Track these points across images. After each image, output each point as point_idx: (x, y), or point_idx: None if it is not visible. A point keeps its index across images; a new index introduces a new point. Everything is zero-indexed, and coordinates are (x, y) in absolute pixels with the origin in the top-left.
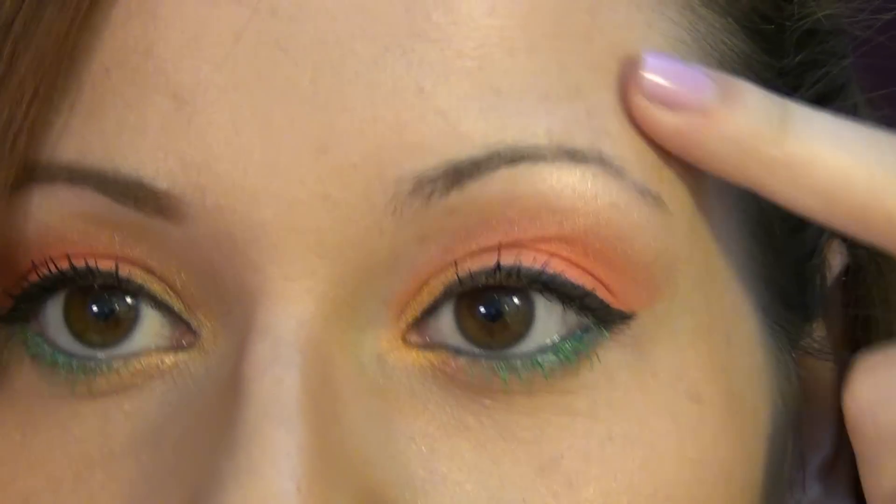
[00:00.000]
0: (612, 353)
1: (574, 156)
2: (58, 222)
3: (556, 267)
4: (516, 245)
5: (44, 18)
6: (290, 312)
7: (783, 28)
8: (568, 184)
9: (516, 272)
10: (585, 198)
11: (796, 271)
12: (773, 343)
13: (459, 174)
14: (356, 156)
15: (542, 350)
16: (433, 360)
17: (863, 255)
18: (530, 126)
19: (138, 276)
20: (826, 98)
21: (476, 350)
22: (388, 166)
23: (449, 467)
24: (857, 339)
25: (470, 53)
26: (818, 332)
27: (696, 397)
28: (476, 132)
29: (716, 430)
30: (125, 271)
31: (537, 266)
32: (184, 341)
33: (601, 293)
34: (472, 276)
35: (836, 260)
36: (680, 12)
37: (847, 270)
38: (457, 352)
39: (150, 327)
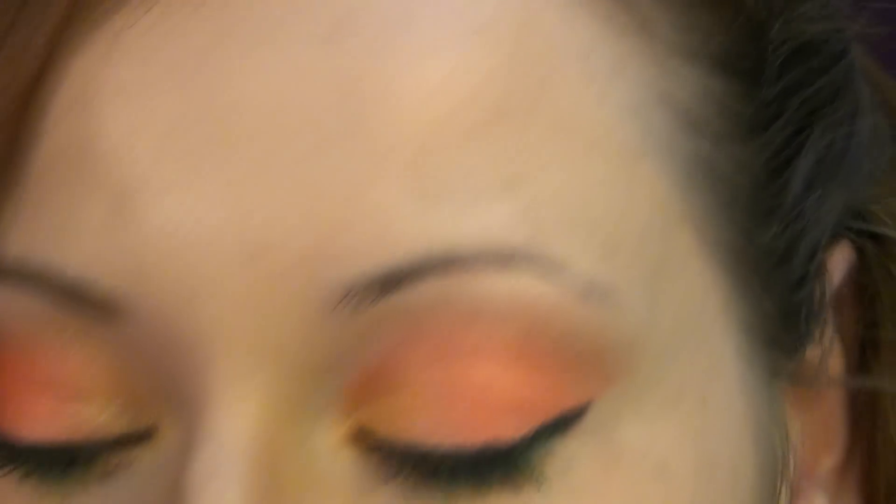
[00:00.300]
0: (569, 443)
1: (510, 258)
2: (2, 325)
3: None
4: (457, 355)
5: None
6: (233, 414)
7: (763, 58)
8: (502, 289)
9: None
10: (522, 302)
11: (784, 303)
12: (756, 386)
13: (389, 282)
14: (286, 263)
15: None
16: (384, 457)
17: (874, 265)
18: (462, 229)
19: (88, 377)
20: (815, 113)
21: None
22: (317, 273)
23: None
24: (864, 356)
25: (403, 146)
26: (812, 354)
27: (664, 473)
28: (406, 237)
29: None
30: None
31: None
32: (137, 436)
33: (556, 412)
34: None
35: (839, 267)
36: (641, 70)
37: (856, 283)
38: (408, 448)
39: (105, 425)
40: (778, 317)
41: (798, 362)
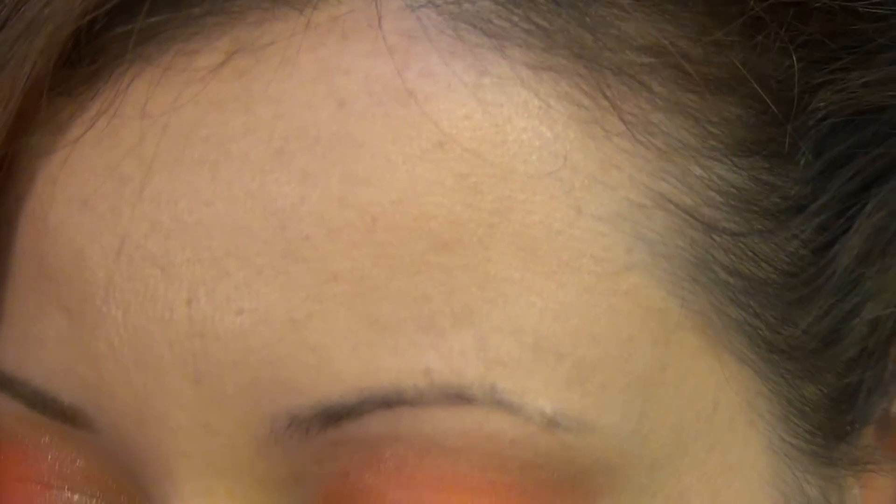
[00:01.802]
0: None
1: (460, 396)
2: None
3: None
4: (418, 486)
5: None
6: None
7: (799, 136)
8: (453, 427)
9: None
10: (477, 440)
11: (835, 387)
12: (793, 479)
13: (331, 416)
14: (230, 388)
15: None
16: None
17: None
18: (408, 365)
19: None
20: (869, 184)
21: None
22: (262, 401)
23: None
24: None
25: (346, 276)
26: (872, 434)
27: None
28: (348, 373)
29: None
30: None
31: None
32: None
33: None
34: None
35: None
36: (632, 174)
37: None
38: None
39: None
40: (826, 402)
41: (856, 445)
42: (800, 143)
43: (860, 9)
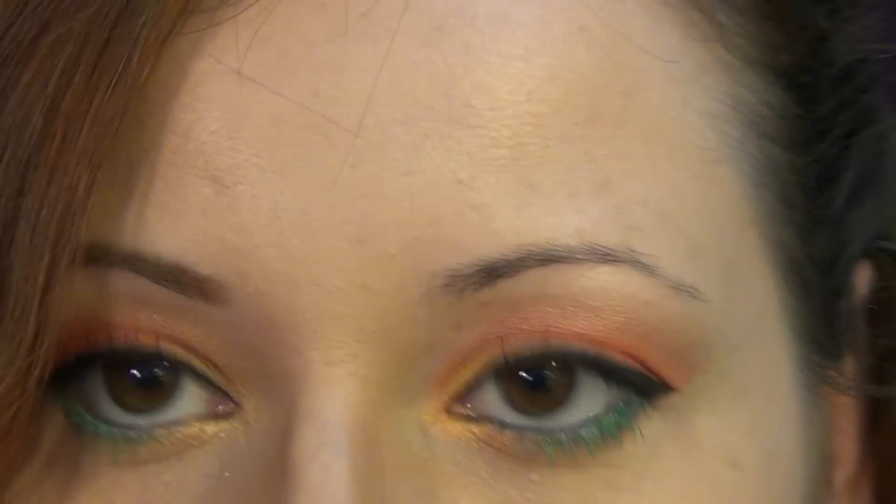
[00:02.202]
0: (655, 425)
1: (604, 256)
2: (100, 303)
3: (599, 348)
4: (554, 334)
5: (94, 103)
6: (335, 396)
7: (819, 75)
8: (599, 284)
9: (561, 357)
10: (617, 298)
11: (826, 312)
12: (805, 390)
13: (491, 272)
14: (393, 247)
15: (586, 423)
16: (478, 432)
17: (894, 284)
18: (561, 225)
19: (179, 353)
20: (854, 130)
21: (520, 419)
22: (422, 260)
23: None
24: (881, 368)
25: (506, 142)
26: (846, 367)
27: (736, 464)
28: (509, 231)
29: (753, 493)
30: (166, 348)
31: (581, 346)
32: (223, 408)
33: (642, 370)
34: (517, 357)
35: (862, 282)
36: (717, 80)
37: (875, 299)
38: (502, 424)
39: (189, 394)
40: (823, 324)
41: (837, 370)
42: (821, 82)
43: None
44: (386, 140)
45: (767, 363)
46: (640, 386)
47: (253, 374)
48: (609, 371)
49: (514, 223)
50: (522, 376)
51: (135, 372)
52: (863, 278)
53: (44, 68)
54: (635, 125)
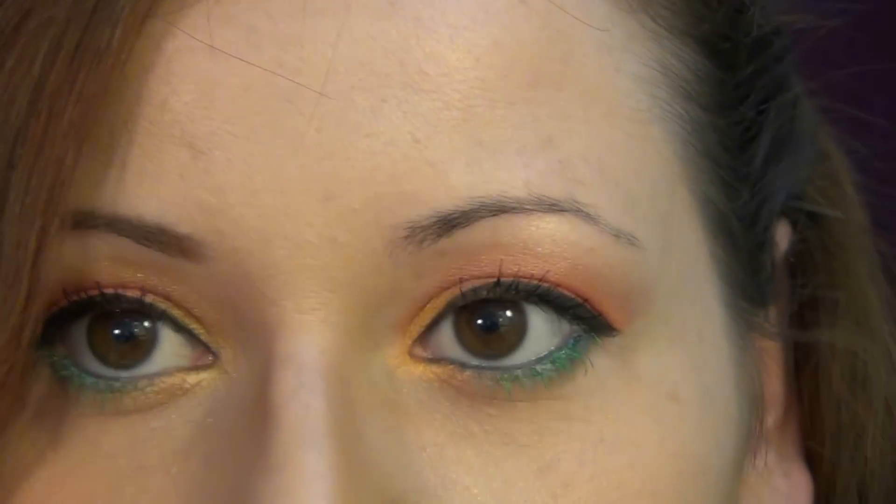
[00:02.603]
0: (602, 360)
1: (551, 206)
2: (85, 265)
3: (549, 285)
4: (508, 274)
5: (77, 81)
6: (310, 341)
7: (737, 43)
8: (546, 232)
9: (514, 286)
10: (563, 245)
11: (751, 263)
12: (736, 335)
13: (448, 223)
14: (357, 203)
15: (540, 360)
16: (439, 373)
17: (811, 239)
18: (510, 179)
19: (161, 303)
20: (770, 96)
21: (475, 361)
22: (385, 214)
23: (457, 472)
24: (804, 317)
25: (457, 104)
26: (772, 314)
27: (675, 397)
28: (462, 185)
29: (693, 426)
30: (149, 299)
31: (534, 282)
32: (203, 361)
33: (591, 307)
34: (474, 290)
35: (783, 241)
36: (646, 47)
37: (795, 253)
38: (462, 365)
39: (169, 349)
40: (748, 274)
41: (763, 318)
42: (739, 50)
43: None
44: (347, 105)
45: (701, 308)
46: (588, 322)
47: (230, 326)
48: (560, 305)
49: (466, 177)
50: (478, 323)
51: (116, 330)
52: (783, 234)
53: (27, 52)
54: (573, 88)
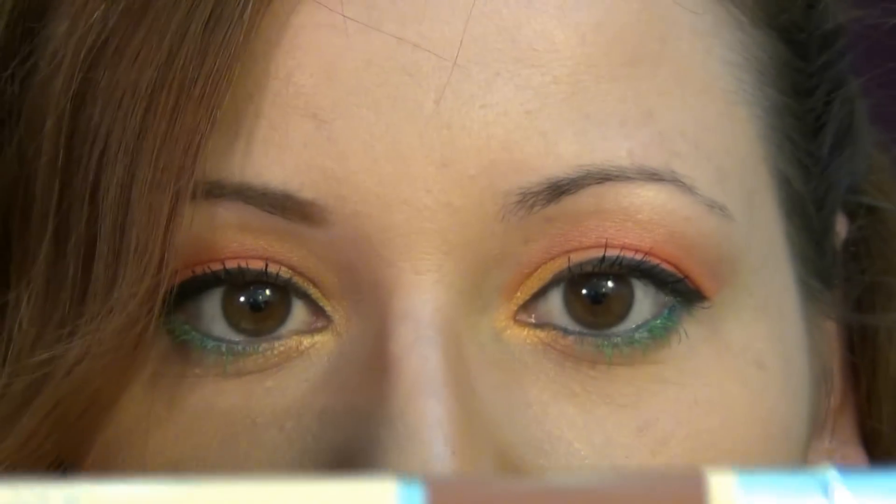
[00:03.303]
0: (694, 329)
1: (651, 175)
2: (212, 233)
3: (652, 259)
4: (609, 246)
5: (208, 55)
6: (425, 300)
7: (811, 34)
8: (647, 200)
9: (619, 262)
10: (662, 213)
11: (819, 244)
12: (809, 311)
13: (557, 190)
14: (473, 169)
15: (639, 328)
16: (543, 337)
17: (867, 229)
18: (614, 149)
19: (284, 272)
20: (835, 89)
21: (581, 329)
22: (498, 180)
23: (561, 428)
24: (860, 300)
25: (565, 79)
26: (834, 298)
27: (761, 365)
28: (571, 153)
29: (777, 393)
30: (273, 269)
31: (638, 256)
32: (317, 325)
33: (687, 280)
34: (580, 265)
35: (841, 232)
36: (732, 34)
37: (853, 242)
38: (565, 331)
39: (295, 316)
40: (818, 255)
41: (829, 299)
42: (812, 41)
43: None
44: (463, 78)
45: (780, 283)
46: (682, 293)
47: (347, 289)
48: (661, 280)
49: (574, 147)
50: (584, 293)
51: (242, 298)
52: (842, 225)
53: (157, 25)
54: (670, 67)
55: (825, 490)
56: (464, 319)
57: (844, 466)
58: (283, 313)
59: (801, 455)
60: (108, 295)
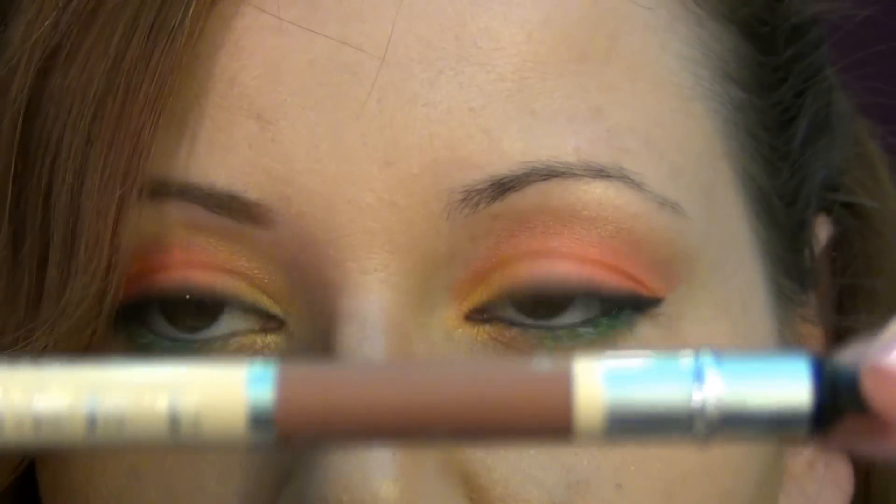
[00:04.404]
0: (645, 328)
1: (598, 172)
2: (160, 231)
3: (593, 273)
4: (556, 255)
5: (152, 59)
6: (372, 300)
7: (775, 28)
8: (594, 196)
9: (561, 290)
10: (609, 209)
11: (792, 243)
12: (779, 311)
13: (501, 187)
14: (416, 168)
15: (584, 323)
16: (491, 331)
17: (849, 228)
18: (561, 145)
19: (230, 286)
20: (807, 81)
21: (525, 320)
22: (442, 178)
23: None
24: (843, 304)
25: (510, 77)
26: (812, 300)
27: None
28: (515, 150)
29: None
30: (219, 284)
31: (584, 277)
32: (271, 325)
33: (632, 289)
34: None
35: (822, 233)
36: (690, 29)
37: (834, 243)
38: (510, 322)
39: (238, 313)
40: (789, 252)
41: (804, 302)
42: (777, 35)
43: None
44: (406, 77)
45: (744, 280)
46: (631, 303)
47: (296, 289)
48: (606, 297)
49: (519, 144)
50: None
51: (189, 297)
52: (822, 226)
53: (104, 33)
54: (621, 63)
55: (698, 376)
56: (412, 319)
57: (718, 351)
58: (221, 309)
59: (772, 460)
60: (60, 299)
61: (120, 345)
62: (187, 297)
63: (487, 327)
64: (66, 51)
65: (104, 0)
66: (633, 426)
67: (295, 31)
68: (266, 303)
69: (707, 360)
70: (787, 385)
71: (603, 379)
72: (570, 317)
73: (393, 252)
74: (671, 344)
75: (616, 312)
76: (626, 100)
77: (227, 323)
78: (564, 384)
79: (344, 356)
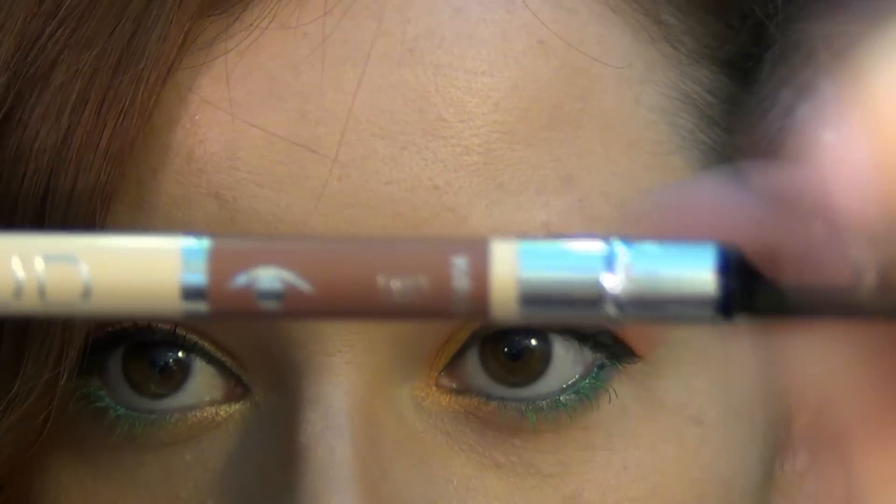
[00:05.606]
0: (625, 387)
1: None
2: None
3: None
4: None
5: (103, 137)
6: (335, 383)
7: (761, 59)
8: None
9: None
10: None
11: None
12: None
13: None
14: None
15: (565, 390)
16: (465, 405)
17: None
18: (529, 220)
19: (194, 337)
20: (795, 104)
21: (501, 390)
22: None
23: None
24: None
25: (476, 149)
26: None
27: (699, 421)
28: (482, 228)
29: (716, 448)
30: (181, 330)
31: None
32: (235, 393)
33: (610, 333)
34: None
35: None
36: (666, 75)
37: None
38: (487, 397)
39: (202, 380)
40: None
41: None
42: (761, 65)
43: None
44: (368, 154)
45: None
46: (611, 350)
47: (260, 364)
48: (582, 335)
49: (486, 220)
50: (504, 351)
51: (152, 359)
52: None
53: (55, 103)
54: (592, 125)
55: (609, 258)
56: (379, 396)
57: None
58: (189, 378)
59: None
60: (10, 385)
61: (80, 408)
62: (151, 343)
63: (462, 399)
64: (17, 116)
65: (56, 67)
66: (546, 303)
67: (252, 106)
68: (231, 363)
69: (618, 243)
70: (695, 270)
71: (518, 257)
72: (550, 381)
73: (357, 332)
74: (648, 405)
75: (597, 370)
76: (599, 164)
77: (191, 389)
78: (481, 262)
79: (306, 446)
